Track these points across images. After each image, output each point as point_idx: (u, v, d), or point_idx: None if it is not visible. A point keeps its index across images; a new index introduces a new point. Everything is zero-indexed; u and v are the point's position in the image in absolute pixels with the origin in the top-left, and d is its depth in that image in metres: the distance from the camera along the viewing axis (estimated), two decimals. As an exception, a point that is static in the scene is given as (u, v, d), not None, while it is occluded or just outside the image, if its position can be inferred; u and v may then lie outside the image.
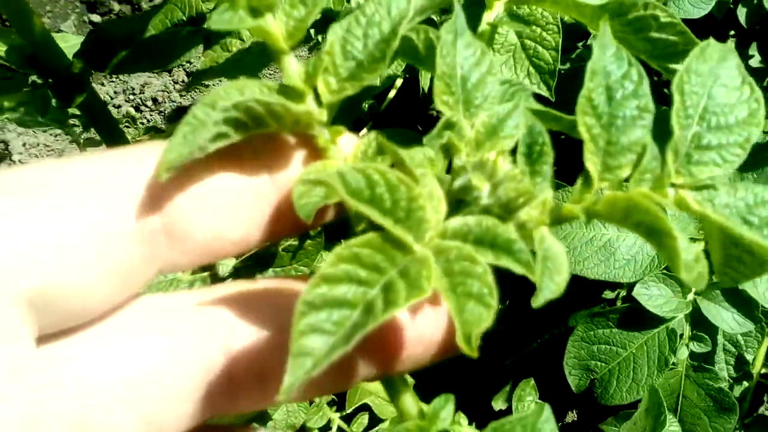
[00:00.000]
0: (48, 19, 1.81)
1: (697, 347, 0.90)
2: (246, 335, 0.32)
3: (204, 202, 0.33)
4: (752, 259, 0.35)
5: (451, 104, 0.32)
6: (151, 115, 1.96)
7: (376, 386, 1.03)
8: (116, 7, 1.83)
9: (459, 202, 0.32)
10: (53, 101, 0.72)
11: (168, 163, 0.30)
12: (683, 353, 0.90)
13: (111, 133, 0.85)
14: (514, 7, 0.53)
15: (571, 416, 1.25)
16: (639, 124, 0.33)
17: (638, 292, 0.88)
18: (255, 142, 0.35)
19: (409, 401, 0.38)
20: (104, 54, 0.73)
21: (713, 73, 0.35)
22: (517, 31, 0.68)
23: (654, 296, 0.87)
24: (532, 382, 0.79)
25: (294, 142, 0.37)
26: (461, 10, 0.33)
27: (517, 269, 0.28)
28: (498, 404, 1.13)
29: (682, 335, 0.91)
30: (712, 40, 0.36)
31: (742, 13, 1.07)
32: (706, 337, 0.90)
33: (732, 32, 1.18)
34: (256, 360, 0.32)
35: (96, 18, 1.82)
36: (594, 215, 0.33)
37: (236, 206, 0.34)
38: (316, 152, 0.36)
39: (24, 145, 1.89)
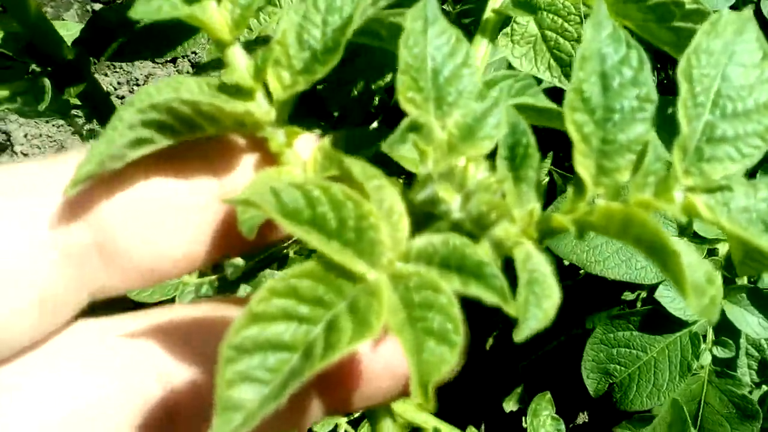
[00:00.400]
0: (50, 8, 1.79)
1: (721, 352, 0.86)
2: (183, 366, 0.29)
3: (141, 216, 0.30)
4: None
5: (418, 102, 0.28)
6: (155, 107, 1.94)
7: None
8: None
9: (428, 216, 0.28)
10: (52, 91, 0.70)
11: (80, 176, 0.26)
12: (706, 358, 0.86)
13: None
14: None
15: (582, 417, 1.22)
16: (639, 118, 0.29)
17: (660, 294, 0.84)
18: (205, 145, 0.32)
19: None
20: (103, 41, 0.70)
21: (728, 50, 0.31)
22: (536, 20, 0.64)
23: (677, 299, 0.83)
24: (548, 395, 0.75)
25: (248, 144, 0.33)
26: None
27: (489, 298, 0.24)
28: (509, 406, 1.10)
29: (705, 339, 0.87)
30: (726, 11, 0.32)
31: (765, 5, 1.01)
32: (731, 341, 0.85)
33: None
34: (193, 392, 0.29)
35: (98, 6, 1.79)
36: (588, 228, 0.29)
37: (178, 219, 0.31)
38: (270, 156, 0.32)
39: (26, 136, 1.88)
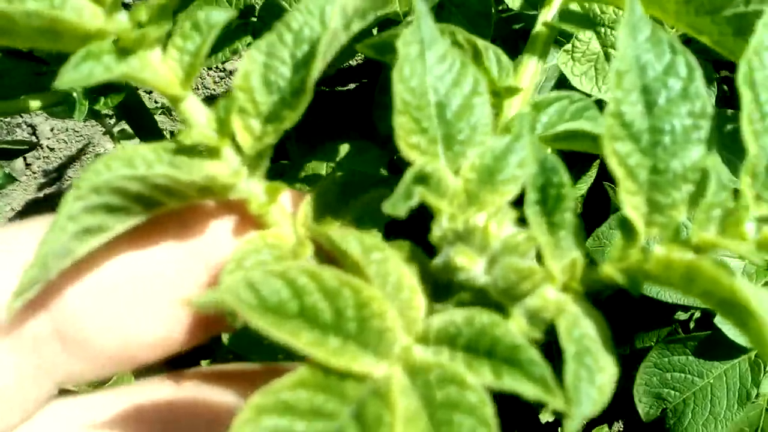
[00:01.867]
0: None
1: None
2: None
3: (106, 300, 0.28)
4: None
5: (423, 146, 0.25)
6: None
7: None
8: None
9: (446, 281, 0.25)
10: (86, 100, 0.71)
11: (23, 285, 0.24)
12: (766, 386, 0.83)
13: (146, 129, 0.90)
14: (576, 5, 0.45)
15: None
16: (695, 139, 0.26)
17: (720, 320, 0.81)
18: (178, 212, 0.29)
19: None
20: None
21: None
22: (599, 37, 0.62)
23: None
24: (606, 429, 0.72)
25: (226, 205, 0.31)
26: (427, 12, 0.26)
27: (529, 391, 0.21)
28: (545, 417, 1.12)
29: (766, 367, 0.84)
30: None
31: None
32: None
33: None
34: None
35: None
36: (643, 278, 0.26)
37: (148, 301, 0.28)
38: (251, 219, 0.30)
39: (52, 130, 1.88)
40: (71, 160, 1.80)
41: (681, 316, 1.00)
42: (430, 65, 0.26)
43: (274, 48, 0.28)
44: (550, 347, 0.25)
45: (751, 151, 0.26)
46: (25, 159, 1.77)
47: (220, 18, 0.27)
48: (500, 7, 0.74)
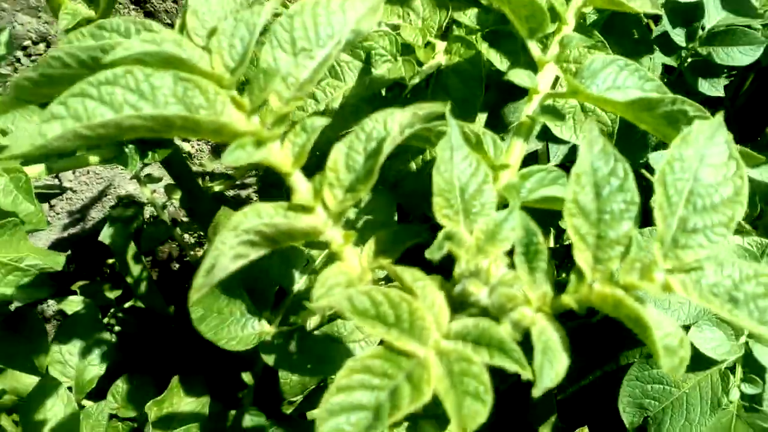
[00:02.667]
0: None
1: (749, 388, 1.00)
2: None
3: None
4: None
5: (450, 216, 0.42)
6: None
7: None
8: None
9: (462, 303, 0.42)
10: (137, 156, 0.86)
11: (195, 289, 0.40)
12: (735, 394, 1.00)
13: (183, 176, 1.07)
14: (552, 101, 0.62)
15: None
16: (626, 217, 0.43)
17: (693, 335, 0.97)
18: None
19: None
20: None
21: (700, 154, 0.44)
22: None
23: (707, 339, 0.97)
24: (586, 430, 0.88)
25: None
26: (455, 124, 0.43)
27: (510, 366, 0.38)
28: (536, 392, 1.26)
29: (734, 376, 1.01)
30: (697, 122, 0.45)
31: None
32: (758, 378, 0.99)
33: None
34: None
35: None
36: (587, 306, 0.42)
37: None
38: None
39: (74, 172, 2.05)
40: (93, 201, 1.96)
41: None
42: (456, 162, 0.43)
43: (352, 143, 0.45)
44: (528, 344, 0.41)
45: (659, 228, 0.43)
46: (49, 201, 1.94)
47: (320, 123, 0.44)
48: (492, 68, 0.91)
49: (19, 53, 2.10)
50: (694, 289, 0.42)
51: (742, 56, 1.26)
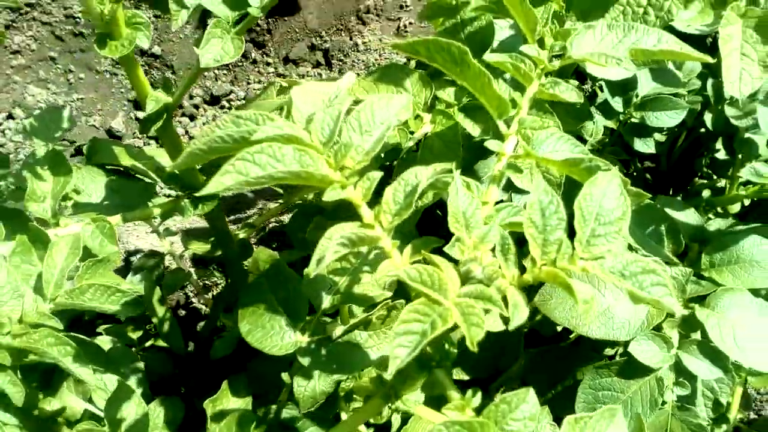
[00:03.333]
0: (99, 116, 2.31)
1: (680, 391, 1.33)
2: None
3: None
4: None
5: (458, 227, 0.76)
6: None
7: None
8: None
9: (467, 277, 0.75)
10: (192, 208, 1.18)
11: (315, 265, 0.74)
12: (669, 396, 1.33)
13: (219, 219, 1.36)
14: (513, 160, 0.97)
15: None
16: (559, 228, 0.76)
17: (632, 348, 1.30)
18: None
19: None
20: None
21: (603, 191, 0.79)
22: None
23: (645, 351, 1.30)
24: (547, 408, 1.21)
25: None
26: (459, 175, 0.77)
27: (494, 308, 0.72)
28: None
29: (666, 382, 1.34)
30: (600, 173, 0.80)
31: (708, 118, 1.58)
32: (686, 383, 1.33)
33: (702, 130, 1.69)
34: None
35: (141, 115, 2.33)
36: (540, 281, 0.75)
37: None
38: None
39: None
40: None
41: (608, 352, 1.50)
42: (459, 197, 0.77)
43: (397, 187, 0.79)
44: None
45: (578, 234, 0.77)
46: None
47: (377, 175, 0.78)
48: (465, 133, 1.26)
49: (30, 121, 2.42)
50: (600, 269, 0.75)
51: (669, 119, 1.62)
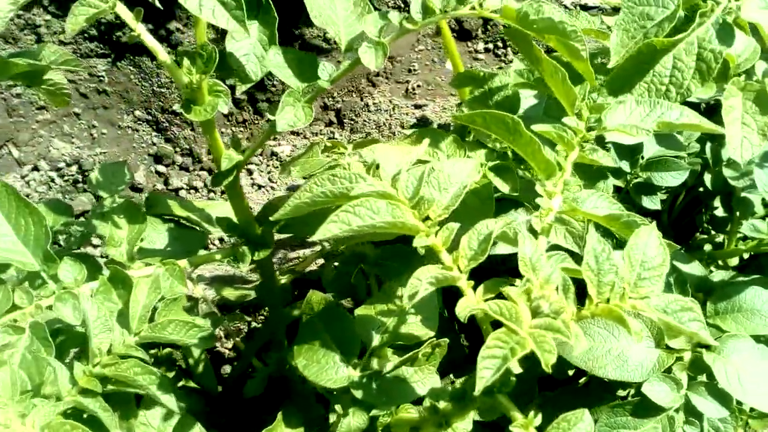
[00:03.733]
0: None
1: (690, 429, 1.49)
2: None
3: None
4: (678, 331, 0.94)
5: (527, 270, 0.91)
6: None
7: None
8: (179, 159, 2.51)
9: (536, 311, 0.90)
10: (249, 254, 1.33)
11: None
12: None
13: (267, 267, 1.49)
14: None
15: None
16: (611, 272, 0.92)
17: (646, 389, 1.45)
18: None
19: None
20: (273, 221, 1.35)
21: (644, 242, 0.95)
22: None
23: (657, 391, 1.45)
24: None
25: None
26: (525, 229, 0.93)
27: (563, 339, 0.87)
28: None
29: (677, 420, 1.48)
30: (642, 227, 0.96)
31: (707, 178, 1.77)
32: (696, 421, 1.48)
33: (701, 189, 1.88)
34: None
35: (161, 168, 2.50)
36: (596, 316, 0.90)
37: None
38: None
39: None
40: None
41: (620, 393, 1.66)
42: (527, 245, 0.93)
43: (473, 234, 0.94)
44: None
45: (626, 277, 0.92)
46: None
47: (455, 226, 0.93)
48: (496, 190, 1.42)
49: (53, 173, 2.57)
50: (647, 307, 0.91)
51: (673, 179, 1.79)
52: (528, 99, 1.57)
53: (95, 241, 2.38)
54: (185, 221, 1.55)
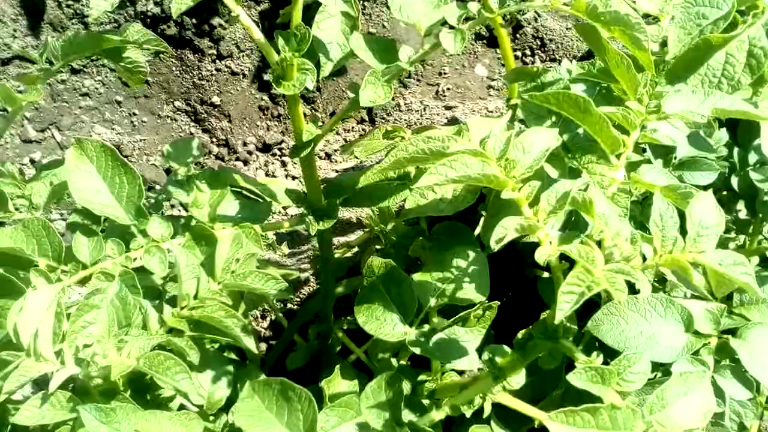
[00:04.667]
0: (160, 156, 2.63)
1: (715, 408, 1.64)
2: None
3: None
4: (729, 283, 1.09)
5: (601, 224, 1.07)
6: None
7: None
8: (215, 149, 2.68)
9: (608, 258, 1.05)
10: (316, 222, 1.48)
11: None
12: None
13: (325, 247, 1.68)
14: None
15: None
16: (674, 228, 1.07)
17: (674, 369, 1.59)
18: None
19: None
20: (336, 194, 1.49)
21: (704, 206, 1.10)
22: None
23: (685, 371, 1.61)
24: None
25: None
26: (597, 189, 1.08)
27: (633, 280, 1.01)
28: None
29: None
30: (702, 193, 1.11)
31: (734, 181, 1.93)
32: (722, 401, 1.63)
33: (724, 192, 2.05)
34: None
35: None
36: (661, 266, 1.05)
37: None
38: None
39: None
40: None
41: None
42: (601, 203, 1.08)
43: (551, 193, 1.09)
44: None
45: (690, 234, 1.07)
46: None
47: (536, 183, 1.09)
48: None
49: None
50: (704, 258, 1.06)
51: (703, 178, 1.92)
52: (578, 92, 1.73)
53: (167, 210, 2.52)
54: (251, 194, 1.70)
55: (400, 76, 2.83)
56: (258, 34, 1.40)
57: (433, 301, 1.46)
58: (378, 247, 1.93)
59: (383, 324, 1.43)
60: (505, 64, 1.85)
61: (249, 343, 1.31)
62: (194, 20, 2.63)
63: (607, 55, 1.32)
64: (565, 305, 0.98)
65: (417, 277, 1.48)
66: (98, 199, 1.41)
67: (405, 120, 2.83)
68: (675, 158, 1.98)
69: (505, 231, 1.04)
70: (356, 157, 1.89)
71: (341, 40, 1.45)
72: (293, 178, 2.76)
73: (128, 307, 1.31)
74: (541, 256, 1.05)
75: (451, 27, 1.36)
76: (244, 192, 1.72)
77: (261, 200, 1.69)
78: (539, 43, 2.74)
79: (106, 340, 1.25)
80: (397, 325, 1.43)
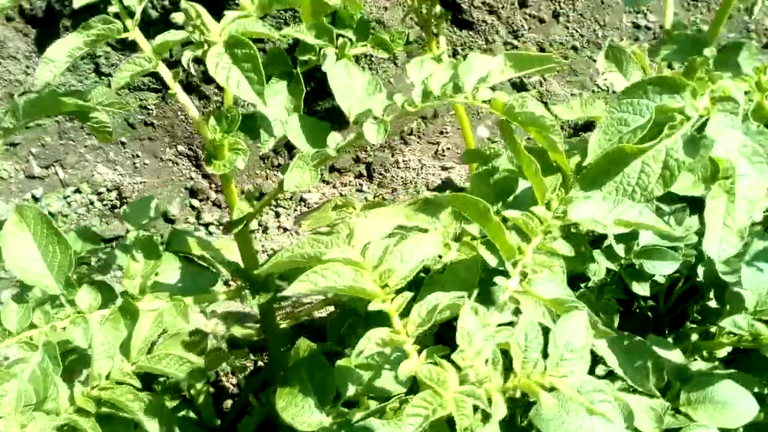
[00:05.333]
0: (158, 200, 2.72)
1: None
2: None
3: None
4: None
5: (463, 341, 1.10)
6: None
7: None
8: (213, 195, 2.76)
9: (464, 379, 1.09)
10: (252, 296, 1.54)
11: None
12: None
13: (268, 319, 1.73)
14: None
15: None
16: (536, 350, 1.10)
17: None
18: None
19: None
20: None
21: (573, 327, 1.13)
22: None
23: None
24: None
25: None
26: (469, 303, 1.12)
27: (480, 404, 1.05)
28: None
29: None
30: (573, 312, 1.14)
31: (700, 271, 1.93)
32: None
33: (698, 278, 2.04)
34: None
35: (195, 203, 2.74)
36: (517, 389, 1.09)
37: None
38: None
39: None
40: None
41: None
42: (468, 319, 1.12)
43: (422, 305, 1.13)
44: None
45: (551, 358, 1.10)
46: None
47: (408, 295, 1.13)
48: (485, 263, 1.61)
49: (94, 197, 2.83)
50: (563, 385, 1.08)
51: (664, 268, 1.93)
52: (525, 181, 1.76)
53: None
54: (200, 260, 1.77)
55: (401, 132, 2.89)
56: (194, 112, 1.47)
57: (351, 390, 1.49)
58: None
59: (301, 412, 1.46)
60: (465, 144, 1.90)
61: (151, 427, 1.37)
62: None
63: (519, 156, 1.36)
64: (408, 428, 1.02)
65: (341, 362, 1.52)
66: (32, 267, 1.48)
67: (401, 178, 2.88)
68: (638, 245, 1.99)
69: (366, 344, 1.09)
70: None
71: (284, 117, 1.51)
72: (285, 230, 2.83)
73: (48, 379, 1.37)
74: (403, 371, 1.09)
75: (375, 117, 1.41)
76: (199, 260, 1.78)
77: (210, 269, 1.75)
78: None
79: (12, 417, 1.31)
80: (314, 413, 1.47)
